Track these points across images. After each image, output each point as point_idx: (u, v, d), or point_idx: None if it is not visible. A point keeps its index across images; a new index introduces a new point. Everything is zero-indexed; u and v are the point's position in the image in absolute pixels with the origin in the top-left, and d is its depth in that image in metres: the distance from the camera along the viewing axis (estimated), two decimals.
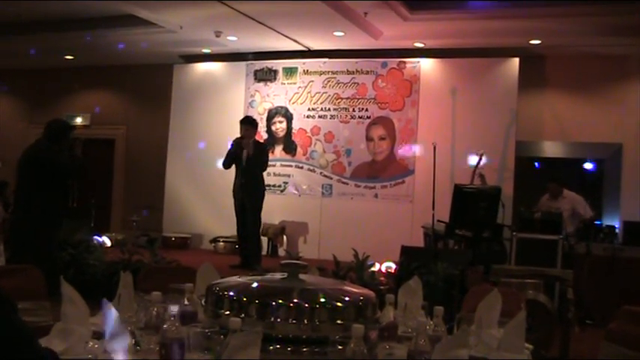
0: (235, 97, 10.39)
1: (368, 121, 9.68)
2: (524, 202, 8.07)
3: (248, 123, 7.88)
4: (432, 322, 2.25)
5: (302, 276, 2.27)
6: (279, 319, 1.97)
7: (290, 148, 10.08)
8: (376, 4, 7.76)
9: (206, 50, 10.42)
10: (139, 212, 10.27)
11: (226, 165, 7.75)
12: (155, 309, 2.12)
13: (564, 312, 5.15)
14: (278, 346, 1.94)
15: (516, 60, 8.94)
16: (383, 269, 7.64)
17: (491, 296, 2.48)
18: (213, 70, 10.70)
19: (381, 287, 5.60)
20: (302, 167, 10.00)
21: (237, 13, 8.15)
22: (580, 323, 5.83)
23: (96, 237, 8.40)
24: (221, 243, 9.73)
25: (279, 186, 10.00)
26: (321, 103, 9.93)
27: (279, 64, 10.22)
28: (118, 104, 11.80)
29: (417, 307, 2.62)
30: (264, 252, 8.66)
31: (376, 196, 9.55)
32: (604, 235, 7.47)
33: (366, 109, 9.69)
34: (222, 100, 10.45)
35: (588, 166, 9.56)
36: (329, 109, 9.88)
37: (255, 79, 10.36)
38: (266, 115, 10.23)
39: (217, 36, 9.26)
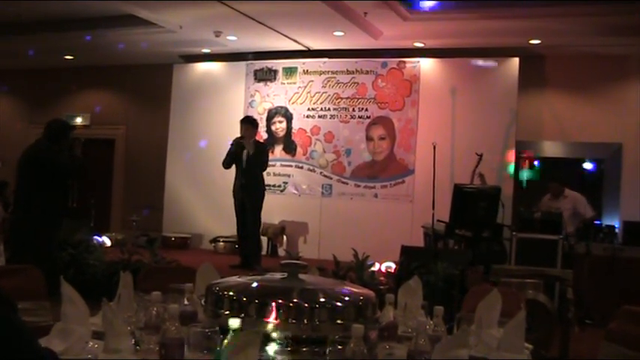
0: (235, 97, 10.39)
1: (368, 120, 9.68)
2: (524, 202, 8.07)
3: (248, 122, 7.88)
4: (431, 322, 2.25)
5: (302, 276, 2.27)
6: (278, 319, 1.97)
7: (290, 148, 10.09)
8: (376, 4, 7.76)
9: (206, 50, 10.42)
10: (138, 212, 10.27)
11: (226, 165, 7.75)
12: (155, 309, 2.12)
13: (564, 312, 5.16)
14: (277, 346, 1.94)
15: (516, 60, 8.94)
16: (383, 269, 7.64)
17: (491, 296, 2.48)
18: (213, 70, 10.70)
19: (381, 287, 5.60)
20: (302, 167, 10.00)
21: (237, 13, 8.15)
22: (580, 323, 5.83)
23: (96, 237, 8.41)
24: (221, 243, 9.74)
25: (279, 186, 10.00)
26: (320, 103, 9.93)
27: (278, 64, 10.22)
28: (117, 104, 11.80)
29: (416, 307, 2.62)
30: (263, 252, 8.67)
31: (376, 195, 9.55)
32: (604, 235, 7.48)
33: (366, 109, 9.69)
34: (222, 100, 10.45)
35: (588, 166, 9.57)
36: (329, 109, 9.88)
37: (255, 79, 10.36)
38: (266, 115, 10.23)
39: (217, 36, 9.26)
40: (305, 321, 1.98)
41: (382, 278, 6.40)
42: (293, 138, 10.08)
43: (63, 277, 2.17)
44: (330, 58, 9.89)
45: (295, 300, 2.03)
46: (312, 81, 10.00)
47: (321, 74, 9.94)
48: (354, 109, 9.75)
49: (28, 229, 5.74)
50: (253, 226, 7.75)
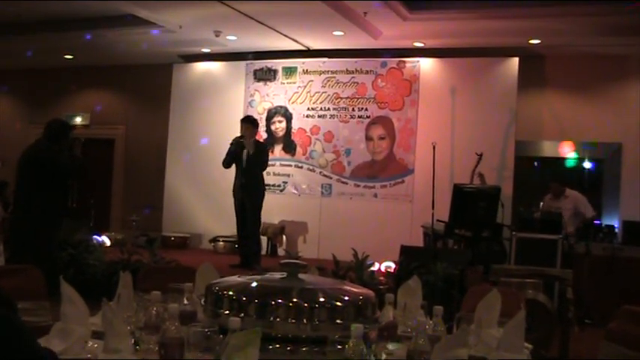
0: (235, 97, 10.39)
1: (367, 120, 9.68)
2: (524, 202, 8.08)
3: (249, 122, 7.88)
4: (431, 322, 2.25)
5: (301, 275, 2.26)
6: (278, 319, 1.97)
7: (289, 147, 10.09)
8: (376, 3, 7.76)
9: (206, 50, 10.42)
10: (138, 212, 10.27)
11: (226, 164, 7.75)
12: (155, 309, 2.12)
13: (564, 312, 5.16)
14: (277, 346, 1.94)
15: (516, 60, 8.94)
16: (382, 269, 7.64)
17: (490, 296, 2.47)
18: (212, 70, 10.70)
19: (381, 287, 5.60)
20: (301, 167, 10.00)
21: (237, 13, 8.15)
22: (580, 323, 5.84)
23: (95, 237, 8.41)
24: (221, 243, 9.73)
25: (279, 185, 10.01)
26: (320, 103, 9.93)
27: (278, 64, 10.22)
28: (117, 104, 11.80)
29: (416, 307, 2.62)
30: (263, 251, 8.66)
31: (376, 195, 9.55)
32: (603, 234, 7.49)
33: (366, 109, 9.69)
34: (222, 100, 10.45)
35: (588, 165, 9.56)
36: (328, 109, 9.88)
37: (255, 78, 10.36)
38: (265, 114, 10.23)
39: (217, 35, 9.26)
40: (304, 321, 1.97)
41: (382, 278, 6.40)
42: (293, 138, 10.08)
43: (63, 277, 2.17)
44: (329, 57, 9.89)
45: (295, 300, 2.02)
46: (311, 81, 10.00)
47: (320, 74, 9.94)
48: (353, 109, 9.76)
49: (28, 229, 5.74)
50: (253, 226, 7.75)
